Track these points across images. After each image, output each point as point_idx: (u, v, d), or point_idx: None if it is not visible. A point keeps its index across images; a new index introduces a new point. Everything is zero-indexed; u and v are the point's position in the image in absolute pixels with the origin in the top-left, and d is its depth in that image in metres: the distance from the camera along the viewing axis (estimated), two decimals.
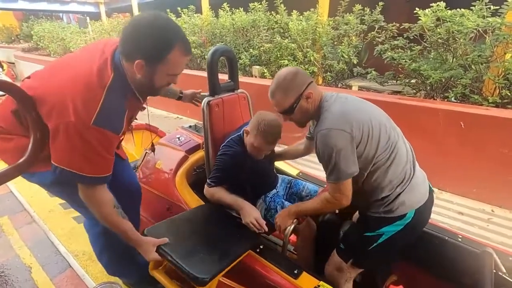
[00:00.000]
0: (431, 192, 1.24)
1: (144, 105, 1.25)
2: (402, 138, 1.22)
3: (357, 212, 1.58)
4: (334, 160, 1.06)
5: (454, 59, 3.02)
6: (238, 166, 1.46)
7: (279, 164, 2.06)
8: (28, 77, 1.08)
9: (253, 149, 1.45)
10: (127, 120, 1.04)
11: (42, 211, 2.15)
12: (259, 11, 4.78)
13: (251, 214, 1.30)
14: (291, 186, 1.77)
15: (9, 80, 1.01)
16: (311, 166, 3.29)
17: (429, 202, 1.21)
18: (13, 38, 15.71)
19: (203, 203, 1.59)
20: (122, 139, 1.34)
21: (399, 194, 1.13)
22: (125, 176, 1.45)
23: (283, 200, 1.62)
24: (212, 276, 1.03)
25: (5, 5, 11.78)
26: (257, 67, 4.61)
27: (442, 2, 2.87)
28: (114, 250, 1.37)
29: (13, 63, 10.04)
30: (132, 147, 3.11)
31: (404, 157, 1.16)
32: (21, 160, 0.93)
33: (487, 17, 2.68)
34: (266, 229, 1.28)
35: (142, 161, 1.96)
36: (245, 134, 1.48)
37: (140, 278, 1.51)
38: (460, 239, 1.37)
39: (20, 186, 2.45)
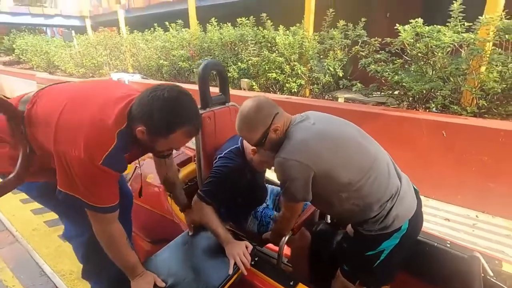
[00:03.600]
0: (417, 194, 1.23)
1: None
2: (380, 151, 1.19)
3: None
4: (288, 186, 1.10)
5: (434, 72, 3.18)
6: (236, 179, 1.41)
7: (270, 174, 2.07)
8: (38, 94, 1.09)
9: (260, 165, 1.43)
10: (127, 160, 1.10)
11: (25, 230, 2.06)
12: (246, 26, 4.90)
13: (237, 251, 1.22)
14: (279, 198, 1.74)
15: None
16: None
17: (419, 206, 1.21)
18: None
19: None
20: None
21: (390, 209, 1.10)
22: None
23: (275, 213, 1.59)
24: None
25: None
26: (246, 80, 4.69)
27: (420, 18, 3.04)
28: (95, 258, 1.35)
29: None
30: None
31: (386, 173, 1.13)
32: (11, 176, 0.92)
33: (461, 33, 2.85)
34: (248, 266, 1.21)
35: (132, 175, 1.93)
36: (252, 153, 1.40)
37: (114, 286, 1.47)
38: (448, 245, 1.41)
39: (0, 204, 2.35)
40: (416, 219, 1.18)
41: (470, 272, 1.26)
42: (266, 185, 1.78)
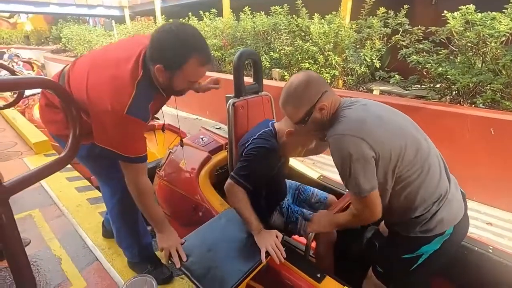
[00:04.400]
0: (463, 197, 1.13)
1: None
2: (433, 148, 1.10)
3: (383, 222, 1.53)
4: (351, 170, 0.96)
5: (484, 64, 2.92)
6: (271, 161, 1.36)
7: (299, 166, 2.06)
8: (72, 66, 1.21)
9: (293, 150, 1.39)
10: (152, 111, 1.18)
11: (70, 205, 2.25)
12: (280, 14, 4.81)
13: (269, 241, 1.22)
14: (299, 192, 1.72)
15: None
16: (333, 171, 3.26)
17: (465, 211, 1.10)
18: (42, 41, 16.57)
19: (225, 202, 1.61)
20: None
21: (436, 212, 1.01)
22: None
23: (301, 209, 1.57)
24: None
25: (38, 9, 12.45)
26: (277, 70, 4.63)
27: (471, 5, 2.78)
28: (125, 219, 1.50)
29: (43, 64, 10.57)
30: (155, 147, 3.21)
31: (437, 172, 1.04)
32: (62, 155, 0.99)
33: None
34: (282, 258, 1.20)
35: (166, 160, 2.01)
36: (287, 135, 1.35)
37: (142, 255, 1.57)
38: (491, 250, 1.32)
39: (50, 181, 2.57)
40: (462, 225, 1.08)
41: None
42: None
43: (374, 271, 1.22)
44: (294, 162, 2.06)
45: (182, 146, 1.81)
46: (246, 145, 1.38)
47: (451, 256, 1.16)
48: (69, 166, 2.83)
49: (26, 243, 1.82)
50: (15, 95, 2.36)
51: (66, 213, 2.16)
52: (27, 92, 4.38)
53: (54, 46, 14.10)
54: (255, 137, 1.38)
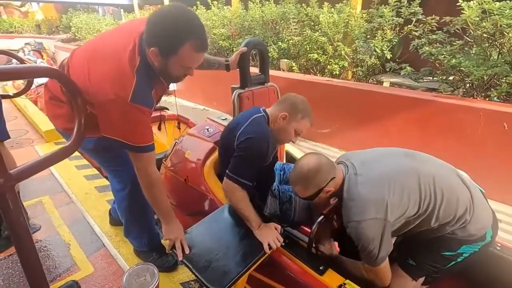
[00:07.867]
0: (483, 195, 1.20)
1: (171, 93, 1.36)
2: (439, 166, 1.18)
3: None
4: (370, 249, 1.07)
5: (500, 55, 2.81)
6: (267, 150, 1.31)
7: (290, 148, 2.05)
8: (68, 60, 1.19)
9: (288, 135, 1.35)
10: (155, 98, 1.16)
11: (79, 193, 2.29)
12: (289, 3, 4.71)
13: (271, 235, 1.23)
14: (284, 172, 1.69)
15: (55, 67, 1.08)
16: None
17: (491, 208, 1.20)
18: (53, 30, 16.64)
19: None
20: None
21: (469, 222, 1.10)
22: None
23: (290, 186, 1.49)
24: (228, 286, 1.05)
25: None
26: (285, 60, 4.56)
27: None
28: (135, 212, 1.52)
29: (53, 53, 10.66)
30: (165, 138, 3.23)
31: (453, 186, 1.12)
32: (67, 144, 1.00)
33: None
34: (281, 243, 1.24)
35: (172, 151, 2.02)
36: (280, 120, 1.32)
37: (151, 246, 1.59)
38: (498, 247, 1.30)
39: (60, 169, 2.63)
40: (495, 225, 1.17)
41: None
42: None
43: (401, 264, 1.24)
44: (291, 148, 2.05)
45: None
46: (237, 134, 1.31)
47: (483, 259, 1.20)
48: (78, 154, 2.88)
49: (36, 228, 1.87)
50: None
51: (75, 200, 2.21)
52: (39, 81, 4.44)
53: (64, 35, 14.16)
54: (246, 124, 1.31)
